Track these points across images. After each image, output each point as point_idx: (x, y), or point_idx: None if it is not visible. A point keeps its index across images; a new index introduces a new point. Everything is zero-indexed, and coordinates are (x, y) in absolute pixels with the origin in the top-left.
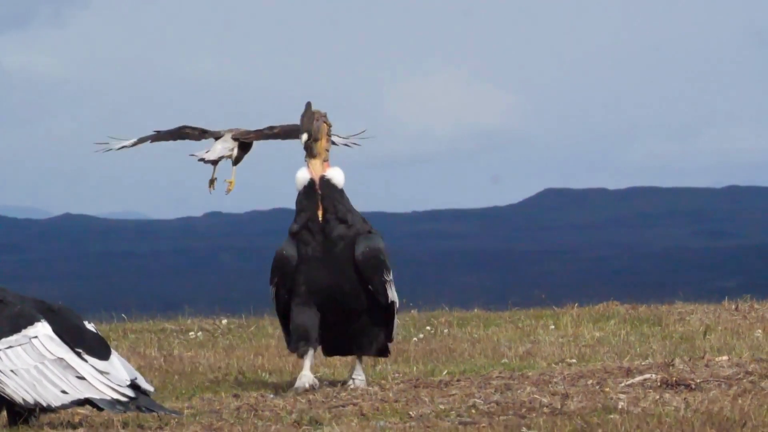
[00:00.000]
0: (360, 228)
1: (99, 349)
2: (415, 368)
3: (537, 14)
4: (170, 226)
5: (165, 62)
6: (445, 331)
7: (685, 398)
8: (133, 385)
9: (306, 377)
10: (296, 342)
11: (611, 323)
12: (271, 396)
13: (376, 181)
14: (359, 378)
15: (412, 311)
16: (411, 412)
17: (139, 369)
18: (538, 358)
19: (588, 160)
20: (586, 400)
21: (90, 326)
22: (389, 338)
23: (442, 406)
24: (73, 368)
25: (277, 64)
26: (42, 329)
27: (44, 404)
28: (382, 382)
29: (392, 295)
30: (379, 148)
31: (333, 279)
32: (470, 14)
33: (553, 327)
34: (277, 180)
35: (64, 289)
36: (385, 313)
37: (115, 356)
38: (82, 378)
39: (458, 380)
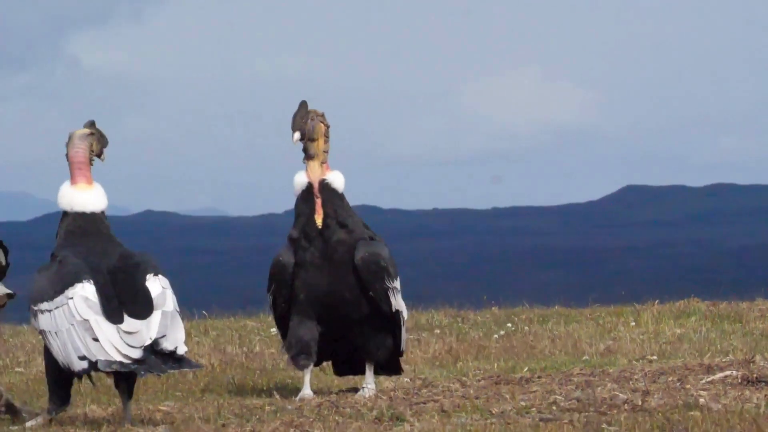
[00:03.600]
0: (361, 233)
1: (141, 309)
2: (495, 365)
3: (613, 11)
4: (251, 223)
5: (244, 59)
6: (526, 328)
7: (766, 395)
8: (151, 347)
9: (307, 394)
10: (297, 355)
11: (692, 320)
12: (352, 392)
13: (457, 178)
14: (369, 387)
15: (493, 308)
16: (492, 409)
17: (219, 365)
18: (618, 354)
19: (668, 158)
20: (667, 396)
21: (153, 281)
22: (398, 351)
23: (522, 403)
24: (92, 330)
25: (357, 61)
26: (81, 290)
27: (68, 367)
28: (463, 378)
29: (397, 303)
30: (459, 145)
31: (332, 286)
32: (546, 12)
33: (633, 324)
34: (359, 178)
35: None
36: (391, 322)
37: (156, 315)
38: (96, 340)
39: (539, 377)
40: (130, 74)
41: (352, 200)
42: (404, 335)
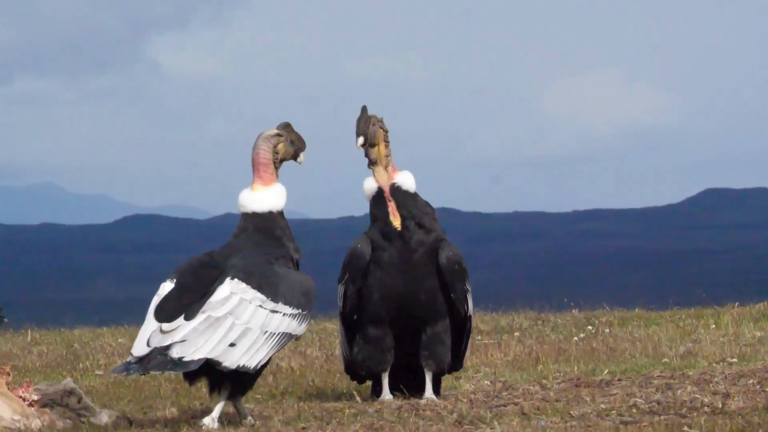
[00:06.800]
0: (439, 233)
1: (193, 310)
2: (575, 368)
3: (692, 13)
4: (331, 226)
5: (327, 62)
6: (606, 330)
7: None
8: (162, 349)
9: (388, 398)
10: (377, 361)
11: None
12: (432, 395)
13: (537, 180)
14: (429, 396)
15: (573, 311)
16: (572, 412)
17: (299, 368)
18: (698, 357)
19: (749, 160)
20: (747, 399)
21: (226, 285)
22: (459, 362)
23: (603, 406)
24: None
25: (440, 63)
26: (161, 290)
27: None
28: (543, 381)
29: (471, 307)
30: (540, 147)
31: (409, 286)
32: (627, 15)
33: (713, 326)
34: (439, 180)
35: None
36: (461, 327)
37: (196, 319)
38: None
39: (619, 380)
40: (210, 77)
41: (432, 203)
42: (469, 343)
